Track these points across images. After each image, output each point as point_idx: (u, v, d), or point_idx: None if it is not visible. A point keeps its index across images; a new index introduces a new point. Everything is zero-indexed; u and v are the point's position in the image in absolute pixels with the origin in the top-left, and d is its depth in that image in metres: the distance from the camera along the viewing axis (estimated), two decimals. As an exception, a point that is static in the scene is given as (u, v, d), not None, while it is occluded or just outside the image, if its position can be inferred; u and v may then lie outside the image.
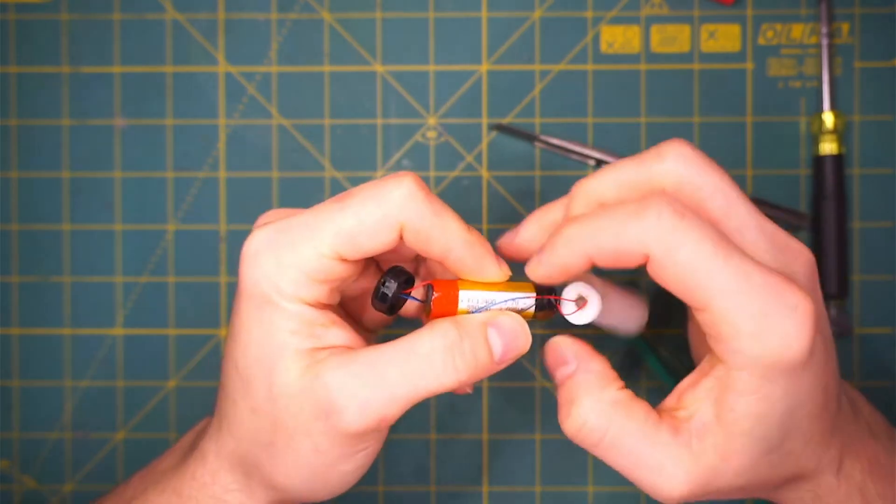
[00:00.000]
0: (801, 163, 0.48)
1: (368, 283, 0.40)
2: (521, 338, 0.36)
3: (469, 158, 0.48)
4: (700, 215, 0.33)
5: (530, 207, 0.48)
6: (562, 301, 0.37)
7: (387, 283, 0.36)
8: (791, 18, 0.48)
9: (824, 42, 0.47)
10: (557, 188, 0.48)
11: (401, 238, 0.36)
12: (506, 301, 0.36)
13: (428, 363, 0.34)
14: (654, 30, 0.48)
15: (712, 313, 0.33)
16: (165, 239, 0.48)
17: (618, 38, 0.48)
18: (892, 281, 0.47)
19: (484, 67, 0.48)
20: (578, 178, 0.48)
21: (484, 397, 0.48)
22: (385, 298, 0.36)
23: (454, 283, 0.36)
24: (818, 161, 0.47)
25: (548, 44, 0.48)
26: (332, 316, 0.37)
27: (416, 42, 0.48)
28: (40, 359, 0.48)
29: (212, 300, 0.48)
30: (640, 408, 0.35)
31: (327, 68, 0.48)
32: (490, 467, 0.48)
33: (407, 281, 0.36)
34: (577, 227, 0.34)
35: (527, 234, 0.39)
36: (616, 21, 0.48)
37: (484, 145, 0.48)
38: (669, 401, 0.36)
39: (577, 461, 0.48)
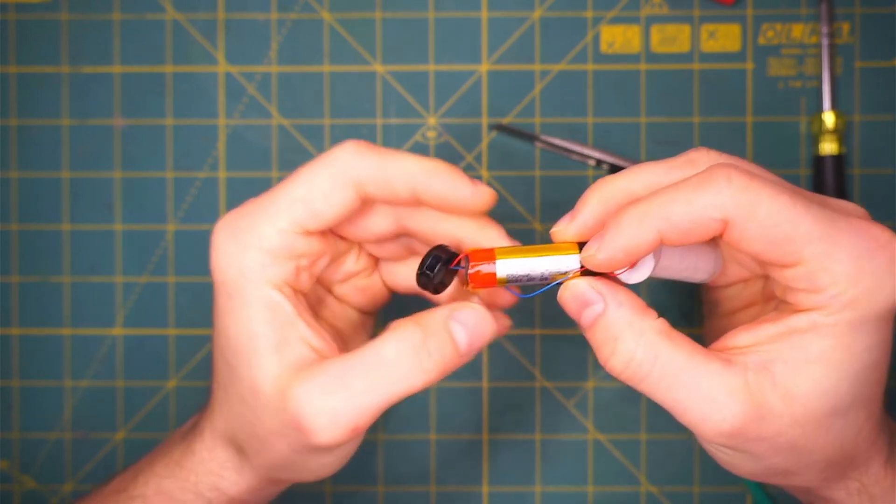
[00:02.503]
0: (802, 163, 0.48)
1: (353, 266, 0.40)
2: (485, 328, 0.35)
3: (469, 158, 0.48)
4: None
5: (530, 207, 0.48)
6: None
7: (428, 262, 0.35)
8: (791, 18, 0.48)
9: (825, 42, 0.47)
10: (557, 188, 0.48)
11: (364, 202, 0.36)
12: (548, 267, 0.35)
13: (396, 369, 0.34)
14: (654, 30, 0.48)
15: (806, 263, 0.32)
16: (165, 239, 0.48)
17: (618, 38, 0.48)
18: (893, 281, 0.47)
19: (484, 67, 0.48)
20: (578, 178, 0.48)
21: (484, 397, 0.48)
22: (428, 278, 0.35)
23: (491, 252, 0.35)
24: (818, 161, 0.47)
25: (548, 44, 0.48)
26: (301, 306, 0.37)
27: (416, 42, 0.48)
28: (40, 359, 0.48)
29: (212, 300, 0.48)
30: (682, 337, 0.34)
31: (327, 68, 0.48)
32: (490, 467, 0.48)
33: (449, 259, 0.36)
34: (644, 204, 0.33)
35: (587, 217, 0.35)
36: (616, 21, 0.48)
37: (484, 145, 0.48)
38: (716, 343, 0.35)
39: (577, 461, 0.48)
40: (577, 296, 0.34)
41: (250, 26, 0.48)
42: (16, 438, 0.49)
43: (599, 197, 0.35)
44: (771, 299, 0.38)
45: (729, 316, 0.40)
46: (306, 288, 0.38)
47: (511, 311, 0.47)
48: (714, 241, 0.37)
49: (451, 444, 0.48)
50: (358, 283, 0.41)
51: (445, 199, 0.36)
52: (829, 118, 0.46)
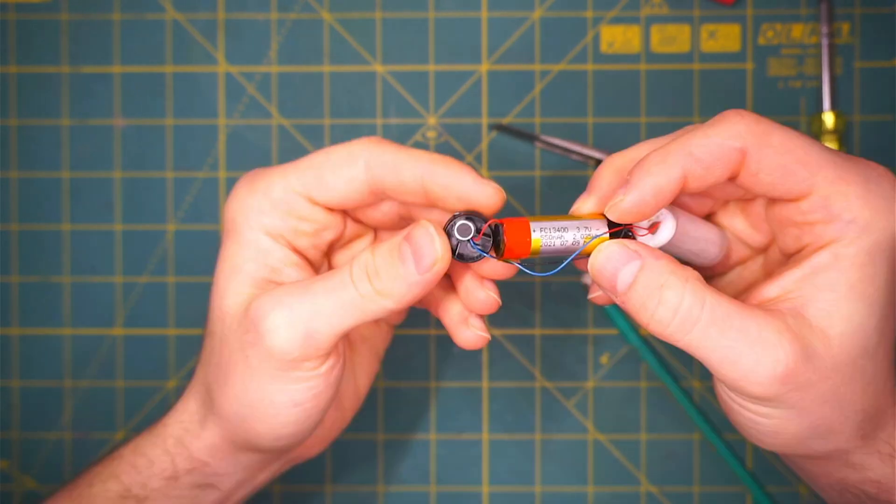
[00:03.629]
0: (802, 163, 0.48)
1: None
2: (427, 241, 0.34)
3: (469, 158, 0.48)
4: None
5: (530, 207, 0.48)
6: (634, 225, 0.34)
7: (455, 226, 0.35)
8: (791, 18, 0.48)
9: (824, 42, 0.47)
10: (557, 188, 0.48)
11: (376, 195, 0.37)
12: (578, 228, 0.34)
13: (350, 284, 0.35)
14: (654, 30, 0.48)
15: (819, 189, 0.33)
16: (165, 239, 0.48)
17: (618, 38, 0.48)
18: (893, 281, 0.47)
19: (484, 67, 0.48)
20: (578, 178, 0.48)
21: (484, 397, 0.48)
22: (455, 251, 0.35)
23: (524, 221, 0.34)
24: (818, 161, 0.47)
25: (548, 44, 0.48)
26: (295, 257, 0.38)
27: (416, 42, 0.48)
28: (40, 359, 0.48)
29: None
30: (716, 289, 0.33)
31: (327, 68, 0.48)
32: (490, 467, 0.48)
33: (478, 228, 0.35)
34: (665, 147, 0.33)
35: (604, 189, 0.35)
36: (616, 21, 0.48)
37: (484, 145, 0.48)
38: (743, 297, 0.35)
39: (577, 461, 0.48)
40: (612, 257, 0.33)
41: (250, 26, 0.48)
42: (16, 438, 0.49)
43: (613, 169, 0.36)
44: (773, 273, 0.38)
45: None
46: (308, 253, 0.39)
47: (511, 311, 0.47)
48: (720, 226, 0.38)
49: (451, 444, 0.48)
50: None
51: (453, 194, 0.36)
52: (829, 118, 0.46)
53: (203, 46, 0.48)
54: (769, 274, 0.38)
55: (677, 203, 0.36)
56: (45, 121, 0.49)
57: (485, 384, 0.48)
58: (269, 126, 0.48)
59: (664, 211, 0.34)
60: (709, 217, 0.38)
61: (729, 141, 0.33)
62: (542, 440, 0.48)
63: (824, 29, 0.47)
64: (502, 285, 0.38)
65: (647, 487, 0.48)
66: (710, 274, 0.40)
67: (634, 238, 0.34)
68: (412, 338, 0.48)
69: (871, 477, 0.36)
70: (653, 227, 0.35)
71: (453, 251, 0.35)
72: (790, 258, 0.36)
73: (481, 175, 0.36)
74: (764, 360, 0.32)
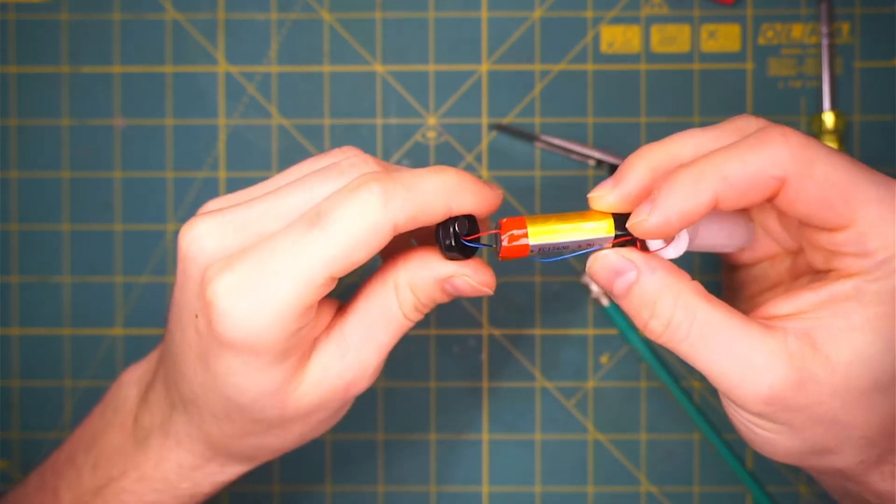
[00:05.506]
0: (802, 163, 0.48)
1: None
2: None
3: (469, 158, 0.48)
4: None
5: (530, 207, 0.48)
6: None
7: (453, 231, 0.34)
8: (791, 18, 0.48)
9: (824, 42, 0.47)
10: (557, 188, 0.48)
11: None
12: (580, 246, 0.34)
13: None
14: (654, 30, 0.48)
15: (857, 226, 0.31)
16: (165, 239, 0.48)
17: (618, 38, 0.48)
18: (893, 281, 0.47)
19: (484, 67, 0.48)
20: (578, 178, 0.48)
21: (484, 397, 0.48)
22: (452, 248, 0.34)
23: (521, 221, 0.34)
24: (818, 161, 0.47)
25: (548, 44, 0.48)
26: None
27: (416, 42, 0.48)
28: (40, 359, 0.48)
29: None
30: (719, 301, 0.33)
31: (327, 68, 0.48)
32: (490, 467, 0.48)
33: (471, 229, 0.34)
34: (699, 165, 0.32)
35: (632, 185, 0.34)
36: (616, 21, 0.48)
37: (484, 145, 0.48)
38: (754, 312, 0.34)
39: (577, 461, 0.48)
40: (608, 266, 0.33)
41: (250, 26, 0.48)
42: (16, 439, 0.49)
43: (647, 164, 0.34)
44: (800, 276, 0.37)
45: (753, 299, 0.39)
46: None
47: (511, 311, 0.47)
48: (746, 213, 0.37)
49: (451, 444, 0.48)
50: None
51: (474, 212, 0.34)
52: (829, 118, 0.46)
53: (203, 46, 0.48)
54: (795, 276, 0.38)
55: None
56: (45, 121, 0.49)
57: (485, 384, 0.48)
58: (269, 126, 0.48)
59: None
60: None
61: (769, 169, 0.31)
62: (542, 440, 0.48)
63: (824, 29, 0.47)
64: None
65: (647, 487, 0.48)
66: (738, 263, 0.39)
67: (644, 242, 0.34)
68: (412, 338, 0.48)
69: (872, 489, 0.35)
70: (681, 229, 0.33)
71: (457, 251, 0.34)
72: (814, 275, 0.35)
73: (484, 181, 0.35)
74: (750, 379, 0.32)
